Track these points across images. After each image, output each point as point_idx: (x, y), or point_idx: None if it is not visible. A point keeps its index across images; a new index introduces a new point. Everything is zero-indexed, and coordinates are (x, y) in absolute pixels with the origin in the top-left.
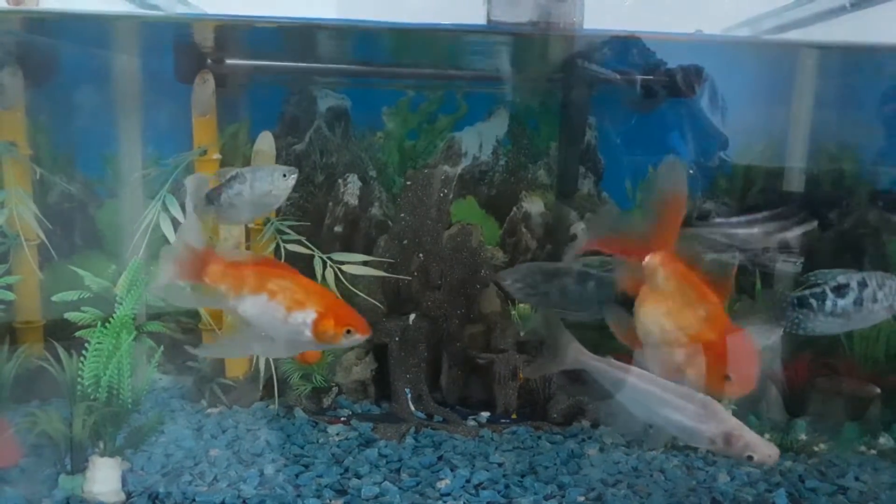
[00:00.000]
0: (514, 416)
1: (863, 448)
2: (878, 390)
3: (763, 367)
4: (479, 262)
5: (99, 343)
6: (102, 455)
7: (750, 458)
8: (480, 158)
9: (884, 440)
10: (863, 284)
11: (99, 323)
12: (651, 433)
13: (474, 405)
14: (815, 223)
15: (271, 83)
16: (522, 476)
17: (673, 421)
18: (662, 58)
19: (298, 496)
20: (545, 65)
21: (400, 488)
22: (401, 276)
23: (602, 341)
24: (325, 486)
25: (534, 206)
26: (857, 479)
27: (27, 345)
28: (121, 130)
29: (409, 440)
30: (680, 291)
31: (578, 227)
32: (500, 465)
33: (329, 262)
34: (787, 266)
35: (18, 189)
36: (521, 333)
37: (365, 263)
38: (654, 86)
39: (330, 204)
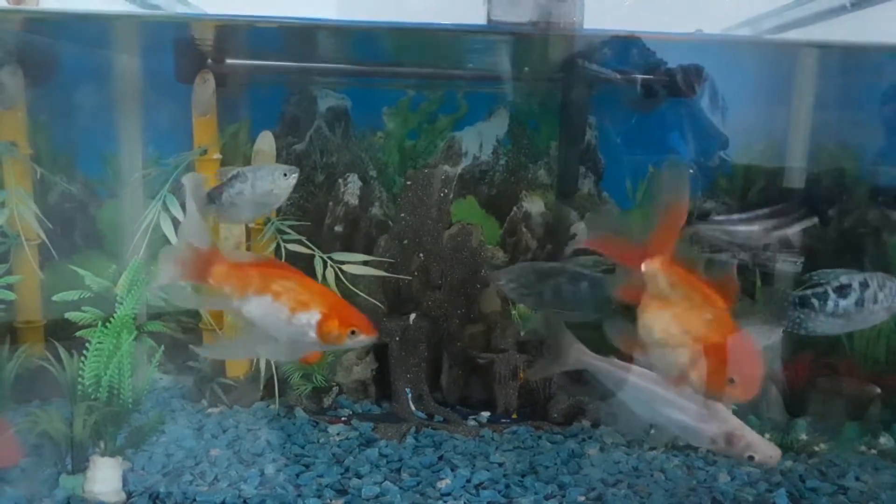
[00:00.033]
0: (514, 416)
1: (863, 448)
2: (879, 390)
3: (764, 368)
4: (480, 262)
5: (99, 343)
6: (103, 455)
7: (751, 458)
8: (481, 158)
9: (884, 440)
10: (864, 285)
11: (99, 323)
12: (654, 432)
13: (475, 405)
14: (815, 219)
15: (271, 83)
16: (523, 476)
17: (675, 420)
18: (662, 57)
19: (299, 496)
20: (545, 65)
21: (400, 488)
22: (401, 276)
23: (602, 341)
24: (326, 486)
25: (534, 205)
26: (857, 478)
27: (28, 344)
28: (121, 130)
29: (409, 440)
30: (684, 295)
31: (579, 227)
32: (500, 464)
33: (329, 262)
34: (787, 265)
35: (19, 189)
36: (522, 333)
37: (365, 263)
38: (655, 85)
39: (330, 204)
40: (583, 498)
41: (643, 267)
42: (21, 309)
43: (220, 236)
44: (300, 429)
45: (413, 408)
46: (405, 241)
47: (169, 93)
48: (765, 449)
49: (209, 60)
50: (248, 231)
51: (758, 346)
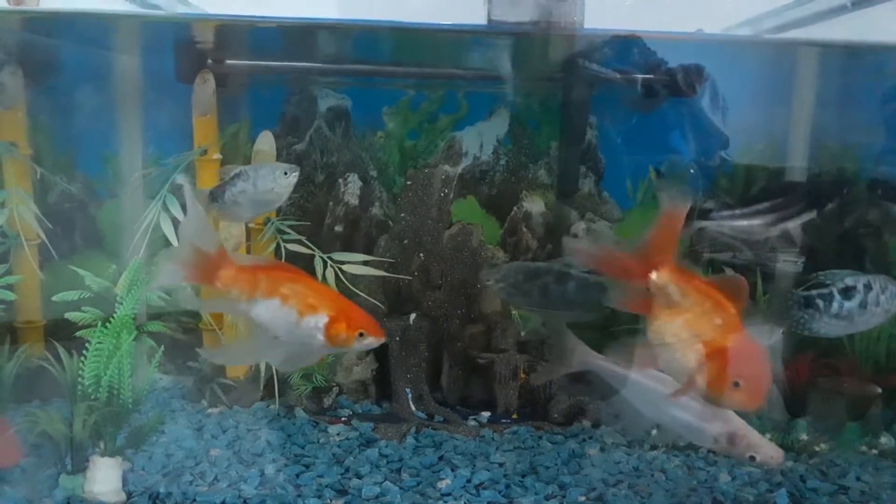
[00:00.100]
0: (514, 416)
1: (864, 448)
2: (879, 390)
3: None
4: (480, 262)
5: (99, 343)
6: (103, 455)
7: (752, 458)
8: (481, 158)
9: (885, 440)
10: (868, 287)
11: (99, 323)
12: (655, 433)
13: (475, 405)
14: (814, 213)
15: (272, 83)
16: (523, 476)
17: (679, 419)
18: (663, 57)
19: (299, 496)
20: (546, 64)
21: (401, 488)
22: (401, 276)
23: (602, 341)
24: (326, 486)
25: (534, 205)
26: (858, 479)
27: (28, 345)
28: (121, 130)
29: (409, 440)
30: (694, 302)
31: (579, 227)
32: (500, 465)
33: (330, 262)
34: (787, 265)
35: (19, 189)
36: (522, 333)
37: (365, 263)
38: (655, 85)
39: (330, 203)
40: (583, 498)
41: (652, 278)
42: (21, 309)
43: (220, 237)
44: (300, 429)
45: (413, 408)
46: (405, 241)
47: (169, 93)
48: (767, 450)
49: (209, 60)
50: (248, 231)
51: (765, 353)
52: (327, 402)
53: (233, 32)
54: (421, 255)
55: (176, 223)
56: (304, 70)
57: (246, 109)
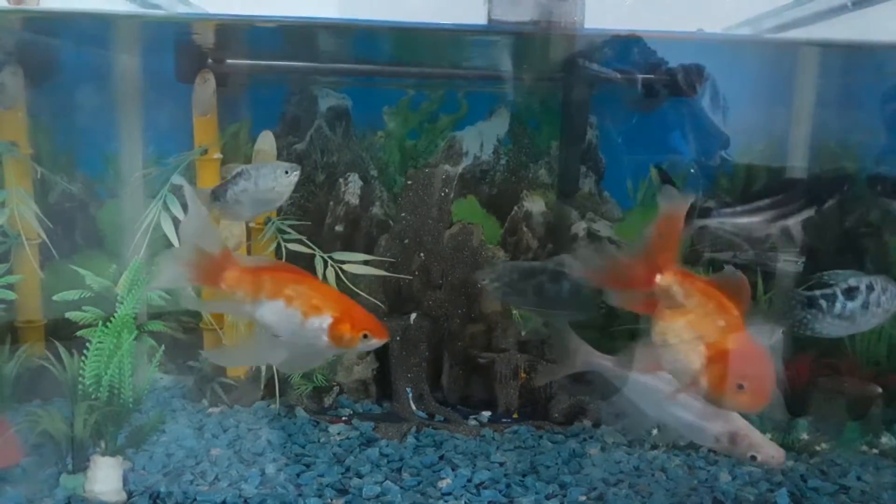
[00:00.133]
0: (515, 416)
1: (865, 448)
2: (880, 390)
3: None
4: (481, 262)
5: (100, 342)
6: (104, 454)
7: (753, 458)
8: (481, 158)
9: (886, 440)
10: (870, 288)
11: (100, 322)
12: (656, 433)
13: (475, 404)
14: (814, 210)
15: (272, 82)
16: (524, 475)
17: (681, 419)
18: (663, 57)
19: (300, 495)
20: (546, 64)
21: (401, 488)
22: (402, 276)
23: (602, 341)
24: (327, 486)
25: (535, 205)
26: (859, 478)
27: (28, 344)
28: (121, 130)
29: (410, 439)
30: (698, 303)
31: (580, 227)
32: (501, 464)
33: (330, 262)
34: (788, 265)
35: (19, 188)
36: (523, 333)
37: (366, 263)
38: (656, 85)
39: (331, 203)
40: (584, 497)
41: (657, 281)
42: (22, 308)
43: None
44: (301, 428)
45: (414, 407)
46: (406, 241)
47: (169, 92)
48: (768, 449)
49: (210, 60)
50: (249, 230)
51: (769, 354)
52: (328, 401)
53: (233, 32)
54: (421, 254)
55: (176, 223)
56: (305, 70)
57: (246, 109)
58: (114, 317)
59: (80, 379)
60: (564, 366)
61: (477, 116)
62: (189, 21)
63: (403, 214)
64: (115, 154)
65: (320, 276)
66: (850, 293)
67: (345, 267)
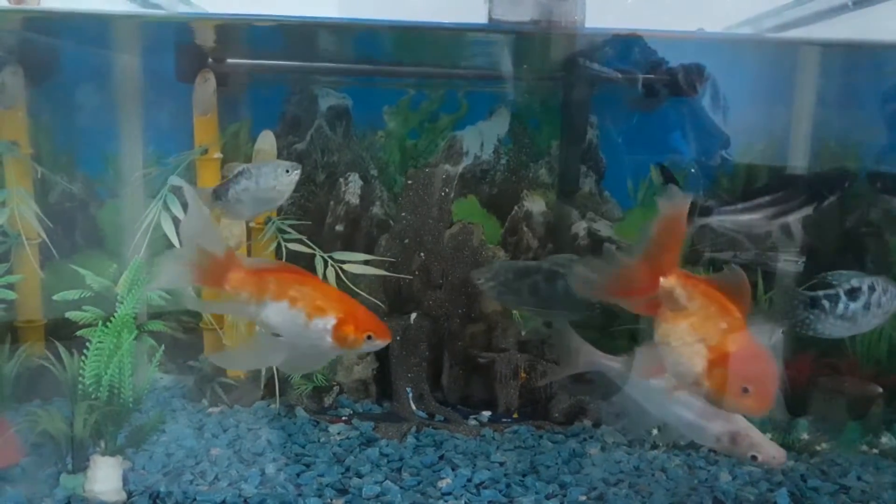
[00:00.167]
0: (515, 416)
1: (865, 447)
2: (881, 389)
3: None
4: (481, 262)
5: (100, 342)
6: (104, 454)
7: (754, 457)
8: (482, 157)
9: (886, 440)
10: (872, 289)
11: (100, 322)
12: (657, 433)
13: (475, 404)
14: (815, 206)
15: (272, 82)
16: (524, 475)
17: (682, 418)
18: (664, 56)
19: (300, 495)
20: (547, 63)
21: (401, 487)
22: (402, 276)
23: (602, 341)
24: (327, 486)
25: (535, 205)
26: (859, 478)
27: (28, 344)
28: (122, 129)
29: (410, 439)
30: (700, 306)
31: (580, 227)
32: (501, 464)
33: (330, 262)
34: (789, 264)
35: (20, 188)
36: (523, 333)
37: (366, 262)
38: (656, 84)
39: (331, 203)
40: (584, 497)
41: (660, 284)
42: (22, 308)
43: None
44: (301, 428)
45: (414, 407)
46: (406, 241)
47: (170, 92)
48: (769, 449)
49: (210, 59)
50: (249, 230)
51: (772, 356)
52: (328, 401)
53: (233, 32)
54: (422, 254)
55: (177, 223)
56: (305, 69)
57: (246, 109)
58: (114, 316)
59: (80, 379)
60: (567, 366)
61: (477, 116)
62: (189, 21)
63: (404, 214)
64: (116, 154)
65: (320, 276)
66: (853, 294)
67: (345, 267)
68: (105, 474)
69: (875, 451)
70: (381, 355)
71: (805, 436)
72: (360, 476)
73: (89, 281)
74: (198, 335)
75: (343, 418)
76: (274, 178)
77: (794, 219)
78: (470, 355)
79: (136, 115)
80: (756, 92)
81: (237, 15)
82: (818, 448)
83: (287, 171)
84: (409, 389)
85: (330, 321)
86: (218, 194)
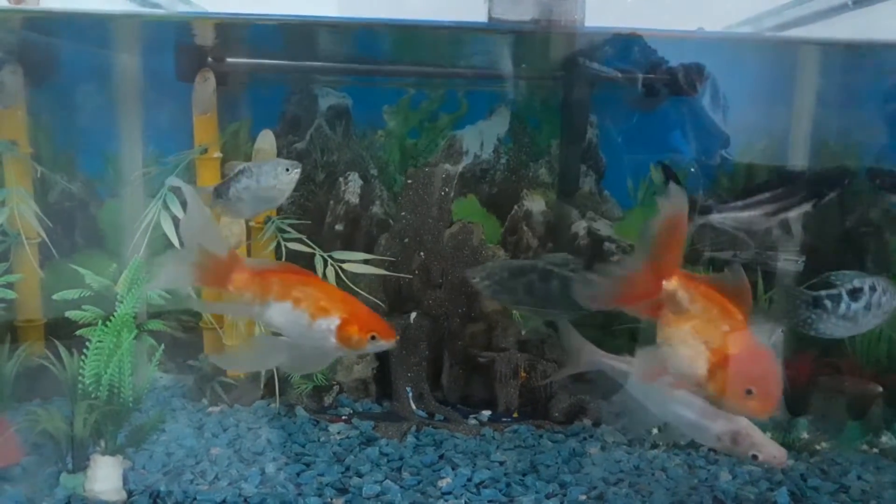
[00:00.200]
0: (515, 415)
1: (865, 447)
2: (881, 389)
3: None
4: (481, 261)
5: (100, 341)
6: (104, 454)
7: (755, 457)
8: (482, 157)
9: (886, 439)
10: (873, 289)
11: (100, 321)
12: (656, 433)
13: (475, 404)
14: (815, 203)
15: (272, 81)
16: (524, 475)
17: (683, 417)
18: (664, 56)
19: (300, 495)
20: (546, 63)
21: (401, 487)
22: (402, 275)
23: (603, 341)
24: (327, 485)
25: (535, 204)
26: (859, 477)
27: (28, 343)
28: (121, 129)
29: (410, 439)
30: (703, 308)
31: (580, 226)
32: (501, 463)
33: (330, 261)
34: (789, 264)
35: (19, 188)
36: (523, 332)
37: (366, 262)
38: (656, 84)
39: (331, 202)
40: (584, 497)
41: (663, 287)
42: (21, 307)
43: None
44: (301, 427)
45: (414, 406)
46: (406, 240)
47: (169, 91)
48: (770, 449)
49: (210, 59)
50: (249, 230)
51: (775, 357)
52: (328, 400)
53: (233, 31)
54: (421, 253)
55: (176, 222)
56: (305, 68)
57: (246, 108)
58: (113, 316)
59: (80, 378)
60: (569, 365)
61: (477, 115)
62: (189, 20)
63: (403, 213)
64: (115, 153)
65: (320, 276)
66: (855, 294)
67: (345, 266)
68: (105, 474)
69: (875, 450)
70: (381, 355)
71: (805, 435)
72: (360, 475)
73: (89, 280)
74: (197, 334)
75: (343, 417)
76: (274, 176)
77: (793, 215)
78: (470, 355)
79: (136, 115)
80: (756, 91)
81: (237, 14)
82: (818, 447)
83: (287, 170)
84: (409, 389)
85: (334, 322)
86: (219, 193)
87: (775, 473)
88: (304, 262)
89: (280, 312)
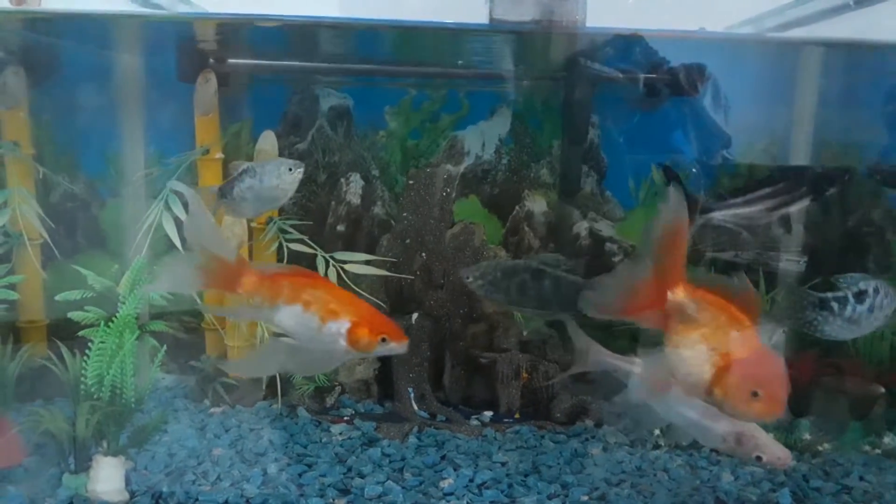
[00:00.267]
0: (517, 416)
1: (867, 448)
2: (883, 390)
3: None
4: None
5: (102, 342)
6: (106, 454)
7: (759, 458)
8: (483, 157)
9: (888, 440)
10: (876, 291)
11: (102, 322)
12: (658, 433)
13: (477, 404)
14: (815, 198)
15: (273, 82)
16: (526, 475)
17: (687, 418)
18: (665, 56)
19: (301, 495)
20: (548, 63)
21: (403, 487)
22: (403, 276)
23: (605, 341)
24: (329, 486)
25: (536, 205)
26: (861, 478)
27: (31, 344)
28: (123, 130)
29: (412, 439)
30: (711, 316)
31: (582, 227)
32: (503, 464)
33: (332, 262)
34: (791, 264)
35: (21, 188)
36: (524, 333)
37: (368, 263)
38: (657, 84)
39: (332, 203)
40: (586, 497)
41: (669, 299)
42: (24, 308)
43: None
44: (303, 428)
45: (416, 407)
46: (407, 241)
47: (171, 92)
48: (774, 450)
49: (211, 60)
50: (251, 230)
51: (782, 363)
52: (330, 401)
53: (234, 31)
54: (423, 254)
55: (178, 223)
56: (307, 69)
57: (248, 109)
58: (116, 317)
59: (83, 379)
60: (576, 364)
61: (478, 116)
62: (190, 21)
63: (405, 214)
64: (117, 154)
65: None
66: (860, 296)
67: (346, 267)
68: (107, 474)
69: (877, 451)
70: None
71: (807, 436)
72: (362, 476)
73: (91, 281)
74: (199, 335)
75: (345, 418)
76: (277, 176)
77: (794, 210)
78: (472, 355)
79: (138, 116)
80: (757, 91)
81: (238, 15)
82: (820, 448)
83: (290, 170)
84: (410, 389)
85: (344, 324)
86: (223, 192)
87: (777, 474)
88: (306, 263)
89: (290, 315)
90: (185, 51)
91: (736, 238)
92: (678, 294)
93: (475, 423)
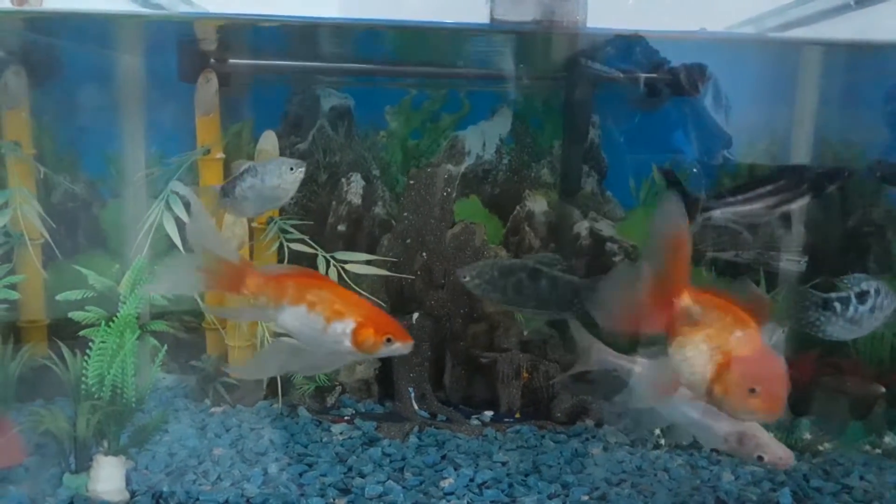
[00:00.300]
0: (517, 415)
1: (867, 447)
2: (883, 389)
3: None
4: None
5: (103, 342)
6: (106, 454)
7: (760, 458)
8: (484, 157)
9: (889, 439)
10: (878, 292)
11: (103, 322)
12: (669, 430)
13: (478, 404)
14: (815, 195)
15: (274, 82)
16: (526, 475)
17: (689, 417)
18: (666, 56)
19: (302, 495)
20: (548, 63)
21: (403, 487)
22: (404, 276)
23: (607, 341)
24: (329, 485)
25: (537, 204)
26: (861, 478)
27: (31, 344)
28: (124, 130)
29: (412, 439)
30: (717, 318)
31: (582, 226)
32: (503, 464)
33: (332, 262)
34: (791, 264)
35: (22, 188)
36: (525, 332)
37: (368, 262)
38: (658, 84)
39: (333, 203)
40: (586, 497)
41: (675, 305)
42: (25, 308)
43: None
44: (303, 428)
45: (416, 407)
46: (408, 241)
47: (172, 92)
48: (776, 450)
49: (212, 60)
50: (251, 230)
51: (784, 365)
52: (330, 401)
53: (235, 32)
54: (424, 254)
55: (179, 223)
56: (307, 69)
57: (249, 109)
58: (116, 316)
59: (83, 378)
60: (579, 363)
61: (479, 116)
62: (191, 21)
63: (406, 214)
64: (118, 154)
65: None
66: (862, 297)
67: (347, 267)
68: (108, 474)
69: (878, 451)
70: None
71: (808, 435)
72: (362, 476)
73: (92, 281)
74: (200, 335)
75: (345, 418)
76: (279, 175)
77: (794, 207)
78: (472, 355)
79: (139, 116)
80: (758, 91)
81: (239, 15)
82: (821, 448)
83: (291, 169)
84: (411, 389)
85: (349, 325)
86: (225, 192)
87: (778, 474)
88: (307, 263)
89: (294, 316)
90: (186, 51)
91: (736, 237)
92: (684, 300)
93: (476, 422)
